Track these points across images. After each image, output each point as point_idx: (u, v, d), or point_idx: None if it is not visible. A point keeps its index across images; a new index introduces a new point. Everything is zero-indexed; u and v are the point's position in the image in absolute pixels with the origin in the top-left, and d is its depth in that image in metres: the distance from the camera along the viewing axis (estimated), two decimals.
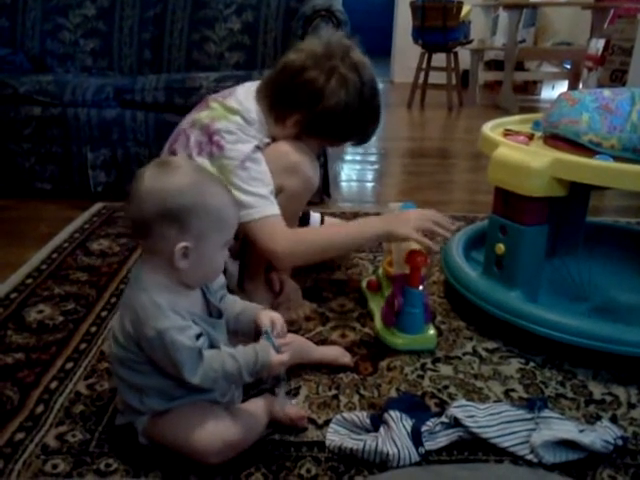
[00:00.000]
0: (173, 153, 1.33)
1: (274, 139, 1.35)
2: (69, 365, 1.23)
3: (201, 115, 1.33)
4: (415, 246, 1.31)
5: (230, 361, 0.91)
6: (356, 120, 1.33)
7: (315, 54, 1.30)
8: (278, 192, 1.31)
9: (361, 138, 1.43)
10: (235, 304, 1.06)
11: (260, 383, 1.17)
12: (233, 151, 1.26)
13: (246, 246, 1.40)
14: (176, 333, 0.87)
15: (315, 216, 1.64)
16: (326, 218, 1.67)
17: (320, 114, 1.30)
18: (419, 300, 1.29)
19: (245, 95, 1.36)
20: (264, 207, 1.25)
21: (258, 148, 1.30)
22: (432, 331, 1.33)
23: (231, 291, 1.11)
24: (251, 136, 1.30)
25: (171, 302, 0.90)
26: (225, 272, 1.35)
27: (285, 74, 1.33)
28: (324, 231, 1.45)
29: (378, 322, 1.37)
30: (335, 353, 1.25)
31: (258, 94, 1.36)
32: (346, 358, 1.24)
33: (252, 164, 1.27)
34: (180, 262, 0.90)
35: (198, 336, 0.91)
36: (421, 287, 1.30)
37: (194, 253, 0.90)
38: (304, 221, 1.58)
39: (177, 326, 0.88)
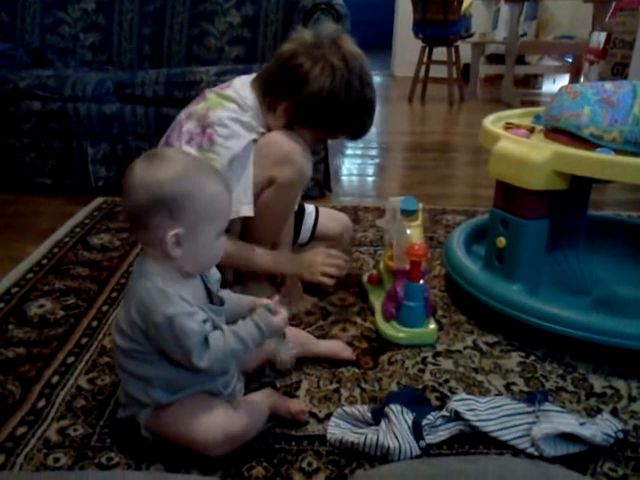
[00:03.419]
0: (169, 145, 1.33)
1: (269, 129, 1.35)
2: (70, 359, 1.24)
3: (198, 107, 1.33)
4: (416, 239, 1.31)
5: (233, 337, 0.92)
6: (346, 110, 1.32)
7: (305, 43, 1.31)
8: (270, 183, 1.31)
9: (355, 131, 1.41)
10: (230, 298, 1.06)
11: (261, 376, 1.18)
12: (223, 148, 1.26)
13: (247, 239, 1.40)
14: (185, 318, 0.88)
15: (310, 207, 1.63)
16: (321, 209, 1.66)
17: (305, 100, 1.30)
18: (419, 294, 1.29)
19: (241, 85, 1.37)
20: None
21: (254, 141, 1.31)
22: (433, 325, 1.33)
23: (227, 285, 1.11)
24: (247, 128, 1.30)
25: (176, 290, 0.90)
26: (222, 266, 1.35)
27: (276, 63, 1.34)
28: (244, 251, 1.39)
29: (379, 316, 1.37)
30: (336, 347, 1.26)
31: (253, 84, 1.37)
32: (347, 352, 1.25)
33: (238, 165, 1.27)
34: (173, 250, 0.90)
35: (204, 321, 0.91)
36: (421, 281, 1.30)
37: (187, 241, 0.90)
38: (299, 215, 1.57)
39: (185, 312, 0.88)
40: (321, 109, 1.31)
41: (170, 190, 0.88)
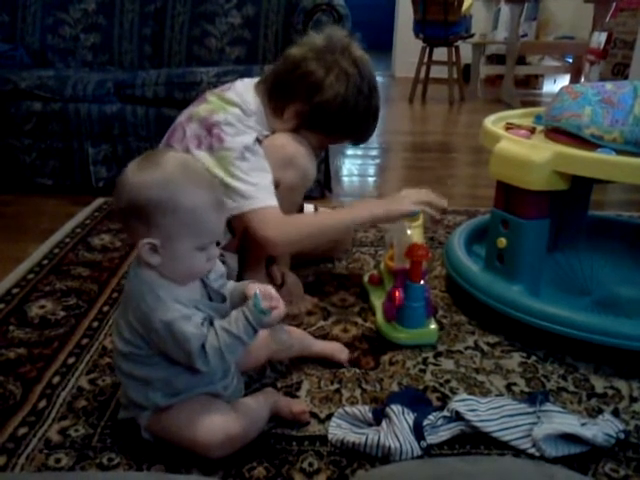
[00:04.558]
0: (169, 147, 1.33)
1: (273, 132, 1.35)
2: (71, 360, 1.24)
3: (199, 109, 1.33)
4: (416, 240, 1.31)
5: (226, 335, 0.89)
6: (354, 116, 1.33)
7: (316, 48, 1.32)
8: (275, 186, 1.31)
9: (359, 136, 1.43)
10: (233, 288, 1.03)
11: (262, 377, 1.18)
12: (233, 143, 1.27)
13: (245, 240, 1.40)
14: (183, 323, 0.87)
15: (309, 207, 1.63)
16: (321, 209, 1.66)
17: (318, 106, 1.31)
18: (420, 294, 1.29)
19: (244, 88, 1.37)
20: (261, 198, 1.26)
21: (258, 140, 1.31)
22: (433, 326, 1.33)
23: None
24: (250, 127, 1.31)
25: (171, 293, 0.89)
26: (224, 265, 1.35)
27: (285, 66, 1.34)
28: (317, 218, 1.42)
29: (379, 316, 1.37)
30: (333, 348, 1.25)
31: (258, 87, 1.37)
32: (343, 355, 1.24)
33: (251, 155, 1.28)
34: (149, 257, 0.88)
35: (203, 321, 0.90)
36: (422, 281, 1.30)
37: (164, 251, 0.88)
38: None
39: (182, 315, 0.88)
40: (332, 115, 1.32)
41: (147, 198, 0.85)
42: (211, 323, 0.92)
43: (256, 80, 1.40)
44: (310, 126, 1.35)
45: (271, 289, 0.95)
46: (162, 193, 0.85)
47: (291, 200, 1.37)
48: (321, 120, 1.34)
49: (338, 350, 1.25)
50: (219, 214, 0.91)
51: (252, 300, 0.91)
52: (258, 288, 0.94)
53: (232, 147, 1.26)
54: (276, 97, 1.34)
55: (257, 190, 1.26)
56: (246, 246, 1.42)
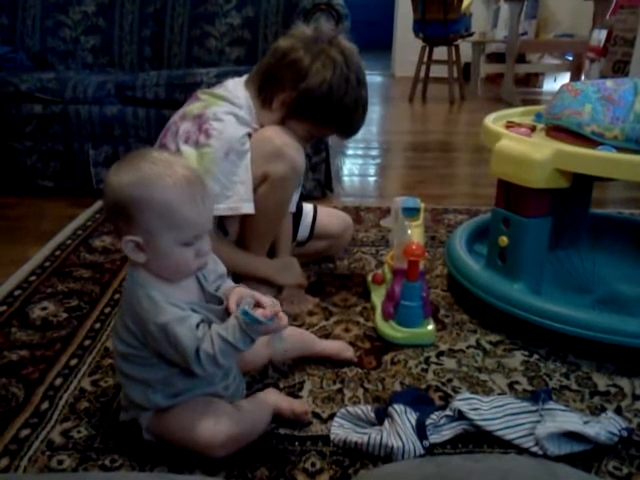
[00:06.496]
0: (163, 146, 1.33)
1: (262, 127, 1.36)
2: (73, 362, 1.24)
3: (192, 107, 1.34)
4: (416, 239, 1.31)
5: (220, 341, 0.88)
6: (341, 104, 1.32)
7: (303, 38, 1.32)
8: (264, 179, 1.31)
9: (346, 128, 1.41)
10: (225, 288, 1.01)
11: (264, 377, 1.18)
12: (219, 140, 1.27)
13: (245, 239, 1.40)
14: (177, 325, 0.87)
15: (308, 207, 1.63)
16: (321, 208, 1.66)
17: (305, 92, 1.30)
18: (416, 294, 1.29)
19: (234, 85, 1.38)
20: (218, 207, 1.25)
21: (249, 136, 1.31)
22: (431, 326, 1.32)
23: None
24: (241, 122, 1.31)
25: (166, 294, 0.89)
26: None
27: (274, 58, 1.34)
28: (232, 254, 1.36)
29: (378, 315, 1.37)
30: (338, 347, 1.25)
31: (247, 81, 1.38)
32: (348, 353, 1.24)
33: (235, 157, 1.28)
34: (133, 255, 0.89)
35: (199, 324, 0.90)
36: (419, 281, 1.29)
37: (148, 247, 0.88)
38: (297, 215, 1.57)
39: (177, 318, 0.88)
40: (319, 102, 1.31)
41: (125, 195, 0.87)
42: (209, 325, 0.91)
43: (245, 77, 1.41)
44: (298, 114, 1.34)
45: (260, 297, 0.93)
46: (140, 191, 0.87)
47: (279, 194, 1.35)
48: (308, 107, 1.33)
49: (343, 349, 1.25)
50: (197, 208, 0.89)
51: (241, 313, 0.88)
52: (246, 301, 0.91)
53: (216, 146, 1.26)
54: (265, 88, 1.34)
55: (223, 196, 1.27)
56: (246, 245, 1.42)
